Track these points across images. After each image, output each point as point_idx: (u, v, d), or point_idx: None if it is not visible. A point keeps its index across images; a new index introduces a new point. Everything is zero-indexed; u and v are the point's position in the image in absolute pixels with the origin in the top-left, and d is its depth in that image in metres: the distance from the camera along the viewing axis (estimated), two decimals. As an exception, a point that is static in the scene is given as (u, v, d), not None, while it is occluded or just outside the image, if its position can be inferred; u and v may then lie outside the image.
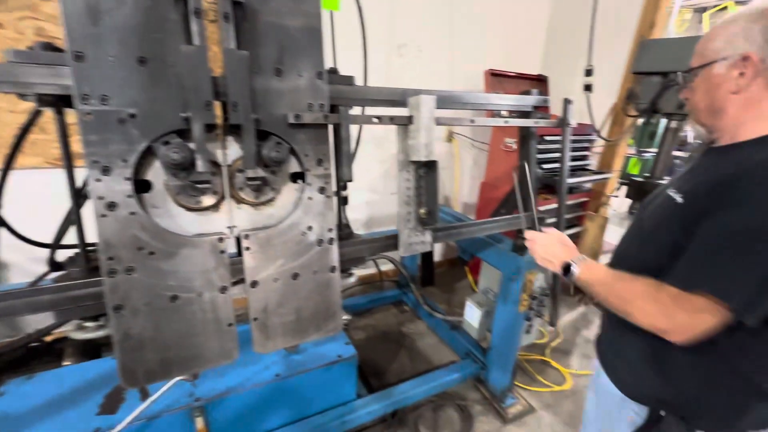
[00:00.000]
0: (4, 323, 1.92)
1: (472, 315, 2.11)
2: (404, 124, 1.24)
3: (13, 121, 1.92)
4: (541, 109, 1.64)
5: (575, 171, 2.84)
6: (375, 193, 3.06)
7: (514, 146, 2.65)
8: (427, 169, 1.31)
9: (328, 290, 1.20)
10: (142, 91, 0.89)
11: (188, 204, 0.99)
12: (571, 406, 2.10)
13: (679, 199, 0.87)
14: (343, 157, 1.14)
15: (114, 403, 1.43)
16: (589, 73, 2.61)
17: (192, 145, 0.94)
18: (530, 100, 1.56)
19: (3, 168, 1.09)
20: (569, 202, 2.85)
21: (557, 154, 2.66)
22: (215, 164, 1.04)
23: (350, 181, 1.17)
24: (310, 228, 1.14)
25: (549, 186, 2.66)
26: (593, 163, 3.19)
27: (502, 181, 2.85)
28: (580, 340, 2.70)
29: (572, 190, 2.82)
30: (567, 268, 1.06)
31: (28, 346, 1.71)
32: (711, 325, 0.77)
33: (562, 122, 1.60)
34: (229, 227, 1.08)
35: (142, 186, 0.96)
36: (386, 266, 3.20)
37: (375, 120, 1.19)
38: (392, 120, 1.21)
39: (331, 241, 1.18)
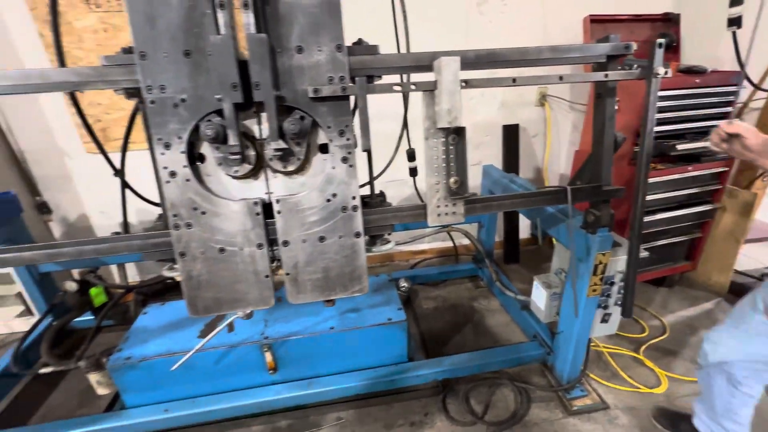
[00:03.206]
0: (159, 264, 2.53)
1: (539, 296, 1.95)
2: (429, 89, 1.19)
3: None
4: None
5: (707, 133, 2.24)
6: (454, 164, 2.97)
7: (616, 106, 2.21)
8: (456, 137, 1.25)
9: (353, 254, 1.29)
10: (189, 79, 1.09)
11: (229, 173, 1.18)
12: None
13: None
14: (362, 127, 1.18)
15: (210, 328, 1.82)
16: (736, 1, 2.01)
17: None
18: (602, 49, 1.31)
19: (122, 146, 1.47)
20: (695, 173, 2.28)
21: (674, 114, 2.15)
22: (252, 138, 1.20)
23: (366, 150, 1.20)
24: (334, 195, 1.23)
25: (662, 154, 2.18)
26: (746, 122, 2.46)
27: (601, 149, 2.44)
28: (696, 342, 2.22)
29: (698, 158, 2.24)
30: None
31: (165, 281, 2.28)
32: None
33: (648, 72, 1.30)
34: (266, 193, 1.25)
35: (201, 158, 1.19)
36: (466, 240, 3.13)
37: (396, 88, 1.18)
38: (415, 86, 1.19)
39: (355, 208, 1.25)
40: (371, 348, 1.88)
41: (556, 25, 2.64)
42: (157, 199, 1.65)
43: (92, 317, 2.29)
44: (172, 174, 1.14)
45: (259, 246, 1.23)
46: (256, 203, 1.20)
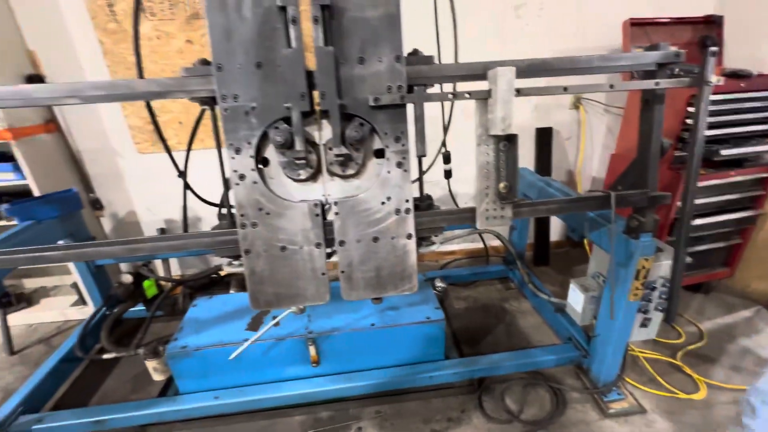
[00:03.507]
0: (200, 259, 2.69)
1: (576, 299, 1.96)
2: (482, 98, 1.24)
3: (197, 113, 2.60)
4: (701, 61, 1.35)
5: (751, 138, 2.21)
6: (486, 166, 3.00)
7: (656, 110, 2.20)
8: (507, 143, 1.29)
9: (404, 254, 1.35)
10: (259, 88, 1.17)
11: (292, 176, 1.26)
12: (697, 419, 1.79)
13: None
14: (418, 134, 1.23)
15: (257, 322, 1.92)
16: (786, 4, 1.97)
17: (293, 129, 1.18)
18: (652, 57, 1.33)
19: (186, 149, 1.57)
20: (738, 179, 2.25)
21: (718, 118, 2.13)
22: (313, 144, 1.28)
23: (424, 156, 1.26)
24: (388, 198, 1.30)
25: (705, 159, 2.15)
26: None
27: (638, 153, 2.43)
28: (734, 350, 2.19)
29: (741, 163, 2.21)
30: None
31: (210, 276, 2.39)
32: None
33: (699, 80, 1.31)
34: (324, 195, 1.32)
35: (264, 162, 1.27)
36: (495, 242, 3.16)
37: (450, 96, 1.24)
38: (469, 95, 1.23)
39: (407, 211, 1.31)
40: (409, 345, 1.94)
41: (593, 29, 2.63)
42: (207, 199, 1.76)
43: (142, 308, 2.44)
44: (241, 177, 1.23)
45: (318, 245, 1.31)
46: (316, 205, 1.28)
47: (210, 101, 1.26)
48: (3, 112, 2.15)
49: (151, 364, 1.86)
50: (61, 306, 2.75)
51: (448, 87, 1.56)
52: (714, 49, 1.28)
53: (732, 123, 2.16)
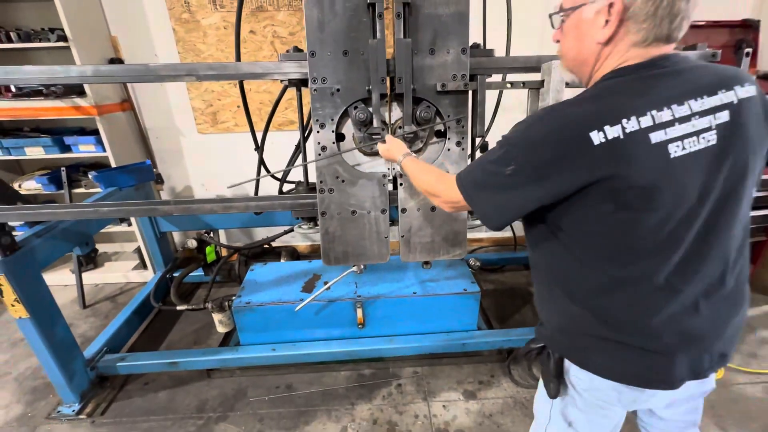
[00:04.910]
0: (245, 234, 2.92)
1: (603, 280, 2.12)
2: (535, 88, 1.41)
3: (256, 98, 2.83)
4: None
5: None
6: (517, 158, 3.15)
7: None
8: (554, 129, 1.46)
9: (457, 223, 1.54)
10: (344, 73, 1.37)
11: (365, 150, 1.46)
12: (712, 396, 1.93)
13: None
14: (478, 117, 1.42)
15: (310, 286, 2.14)
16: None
17: (370, 109, 1.38)
18: (689, 56, 1.47)
19: (264, 129, 1.78)
20: (764, 177, 2.35)
21: None
22: (384, 122, 1.47)
23: (482, 137, 1.44)
24: (447, 172, 1.48)
25: None
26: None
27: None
28: (753, 340, 2.31)
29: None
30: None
31: (263, 246, 2.63)
32: (458, 199, 0.91)
33: (733, 78, 1.45)
34: (389, 168, 1.52)
35: (339, 137, 1.48)
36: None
37: (508, 85, 1.41)
38: (524, 84, 1.41)
39: (462, 185, 1.50)
40: (447, 314, 2.12)
41: (630, 29, 2.74)
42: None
43: (197, 273, 2.70)
44: (323, 149, 1.43)
45: (383, 211, 1.51)
46: (385, 175, 1.47)
47: (298, 83, 1.47)
48: (89, 90, 2.42)
49: (217, 317, 2.09)
50: (124, 269, 3.04)
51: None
52: (748, 50, 1.42)
53: (762, 123, 2.26)
